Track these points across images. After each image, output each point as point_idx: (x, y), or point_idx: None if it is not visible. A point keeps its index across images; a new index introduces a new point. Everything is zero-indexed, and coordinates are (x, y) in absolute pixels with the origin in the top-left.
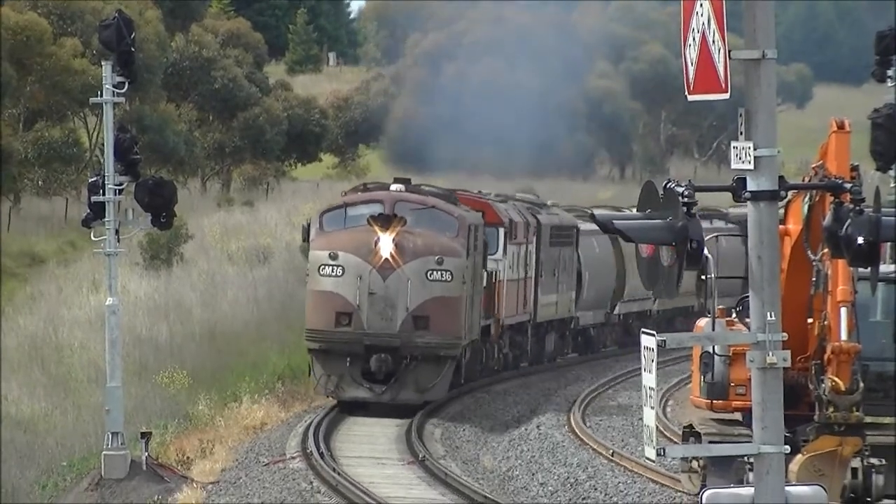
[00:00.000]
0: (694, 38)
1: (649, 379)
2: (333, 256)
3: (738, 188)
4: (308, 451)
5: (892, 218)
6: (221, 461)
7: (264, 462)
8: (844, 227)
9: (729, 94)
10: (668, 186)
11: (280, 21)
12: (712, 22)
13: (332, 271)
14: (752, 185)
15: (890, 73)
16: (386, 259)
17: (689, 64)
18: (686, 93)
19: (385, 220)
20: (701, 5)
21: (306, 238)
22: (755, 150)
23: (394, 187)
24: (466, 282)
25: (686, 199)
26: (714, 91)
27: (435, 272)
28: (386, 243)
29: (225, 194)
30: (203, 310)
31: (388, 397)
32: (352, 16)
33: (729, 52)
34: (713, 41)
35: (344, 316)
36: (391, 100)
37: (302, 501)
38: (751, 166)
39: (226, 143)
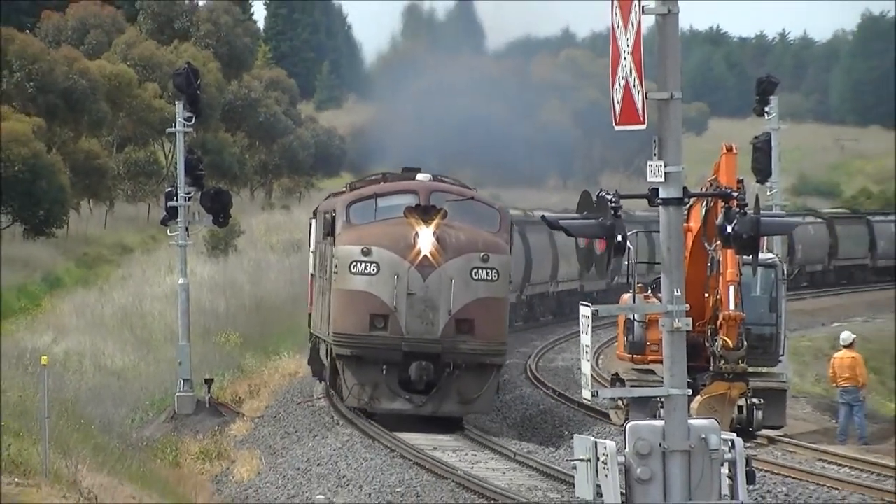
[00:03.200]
0: (619, 83)
1: (585, 339)
2: (366, 252)
3: (652, 196)
4: (330, 394)
5: (768, 218)
6: (265, 401)
7: (298, 402)
8: (732, 225)
9: (646, 124)
10: (600, 194)
11: (309, 70)
12: (633, 72)
13: (366, 269)
14: (663, 194)
15: (766, 109)
16: (426, 256)
17: (616, 102)
18: (614, 124)
19: (424, 212)
20: (625, 59)
21: (330, 231)
22: (665, 167)
23: (421, 176)
24: (510, 281)
25: (613, 204)
26: (634, 123)
27: (480, 271)
28: (426, 238)
29: (267, 200)
30: (251, 287)
31: (430, 409)
32: (365, 64)
33: (646, 93)
34: (634, 86)
35: (379, 319)
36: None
37: (328, 424)
38: (662, 179)
39: (268, 163)
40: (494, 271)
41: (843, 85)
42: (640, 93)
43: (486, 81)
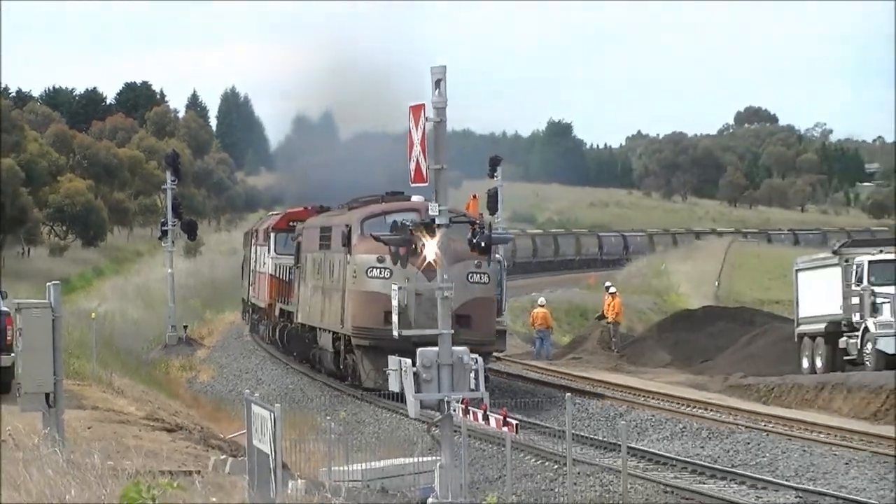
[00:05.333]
0: (413, 158)
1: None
2: (381, 259)
3: (431, 223)
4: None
5: (496, 234)
6: (217, 338)
7: (235, 337)
8: (477, 238)
9: (427, 182)
10: (402, 223)
11: (241, 153)
12: (420, 153)
13: (381, 273)
14: (438, 222)
15: (495, 174)
16: (431, 262)
17: (412, 170)
18: (410, 182)
19: (429, 227)
20: (416, 146)
21: (346, 242)
22: (439, 206)
23: (416, 198)
24: (497, 284)
25: (410, 228)
26: (421, 182)
27: (475, 275)
28: (431, 248)
29: (218, 226)
30: (208, 273)
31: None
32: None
33: (427, 166)
34: (421, 161)
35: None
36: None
37: (251, 350)
38: (438, 214)
39: (218, 205)
40: (486, 275)
41: (538, 159)
42: (425, 164)
43: (339, 156)
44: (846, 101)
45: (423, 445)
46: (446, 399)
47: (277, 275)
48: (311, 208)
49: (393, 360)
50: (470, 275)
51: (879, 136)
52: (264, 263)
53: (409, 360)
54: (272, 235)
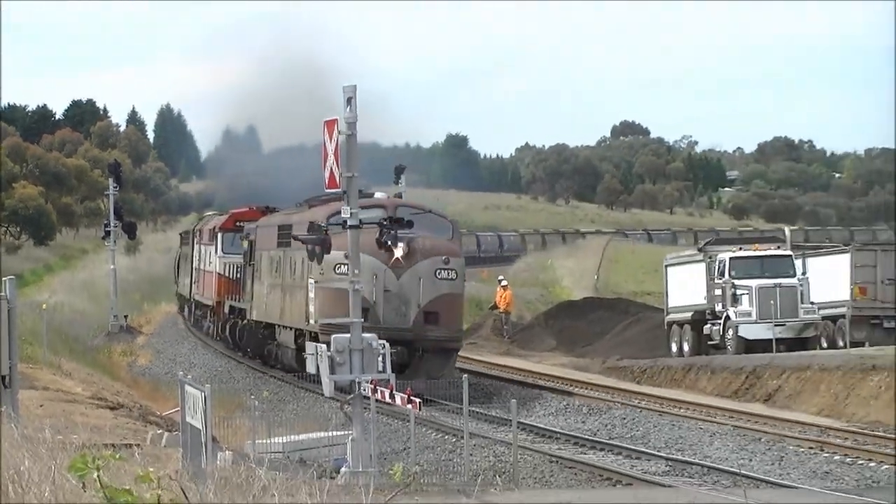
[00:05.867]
0: (328, 167)
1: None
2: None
3: (344, 225)
4: (184, 317)
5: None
6: (154, 326)
7: (170, 326)
8: (384, 237)
9: (341, 188)
10: (319, 224)
11: (176, 162)
12: (334, 162)
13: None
14: (349, 223)
15: (399, 181)
16: (399, 259)
17: (326, 178)
18: (325, 188)
19: (397, 224)
20: (331, 156)
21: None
22: (350, 210)
23: (379, 194)
24: (464, 280)
25: (323, 228)
26: (335, 187)
27: (443, 271)
28: (399, 244)
29: (155, 227)
30: (146, 269)
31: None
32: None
33: (340, 174)
34: (334, 169)
35: (361, 311)
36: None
37: (185, 338)
38: (349, 216)
39: (155, 208)
40: (454, 272)
41: (438, 168)
42: (338, 172)
43: (262, 165)
44: (710, 115)
45: (337, 421)
46: (357, 380)
47: (226, 273)
48: (257, 209)
49: (310, 346)
50: (438, 271)
51: (739, 147)
52: (210, 262)
53: (324, 346)
54: (219, 235)
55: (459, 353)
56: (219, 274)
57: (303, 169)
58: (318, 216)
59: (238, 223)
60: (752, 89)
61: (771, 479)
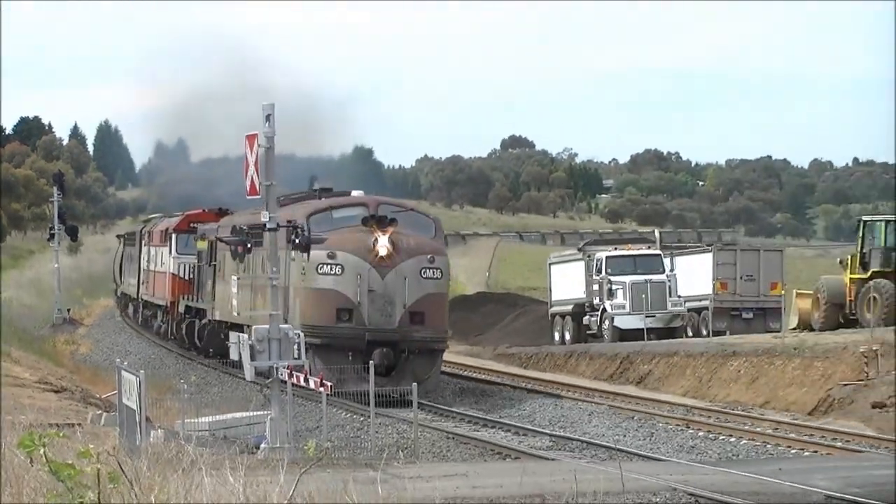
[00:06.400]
0: (249, 176)
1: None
2: (332, 255)
3: (263, 228)
4: (125, 313)
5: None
6: (94, 318)
7: (108, 318)
8: (297, 238)
9: (260, 195)
10: (241, 227)
11: (113, 172)
12: (255, 172)
13: (332, 270)
14: (268, 226)
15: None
16: (383, 258)
17: (248, 186)
18: (246, 196)
19: (380, 221)
20: (252, 166)
21: (290, 239)
22: (269, 214)
23: (356, 193)
24: (449, 279)
25: (246, 231)
26: (255, 195)
27: (428, 270)
28: (383, 243)
29: (95, 230)
30: (87, 268)
31: (391, 388)
32: (136, 170)
33: (260, 182)
34: (255, 178)
35: (344, 312)
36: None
37: (121, 329)
38: (268, 220)
39: (95, 213)
40: (439, 270)
41: (346, 177)
42: (258, 181)
43: (191, 175)
44: (588, 130)
45: (257, 402)
46: (275, 365)
47: (181, 273)
48: (209, 210)
49: (233, 335)
50: (423, 270)
51: (614, 158)
52: (163, 263)
53: (245, 335)
54: (174, 236)
55: None
56: (173, 274)
57: (227, 177)
58: (298, 215)
59: (192, 224)
60: (627, 111)
61: (643, 452)
